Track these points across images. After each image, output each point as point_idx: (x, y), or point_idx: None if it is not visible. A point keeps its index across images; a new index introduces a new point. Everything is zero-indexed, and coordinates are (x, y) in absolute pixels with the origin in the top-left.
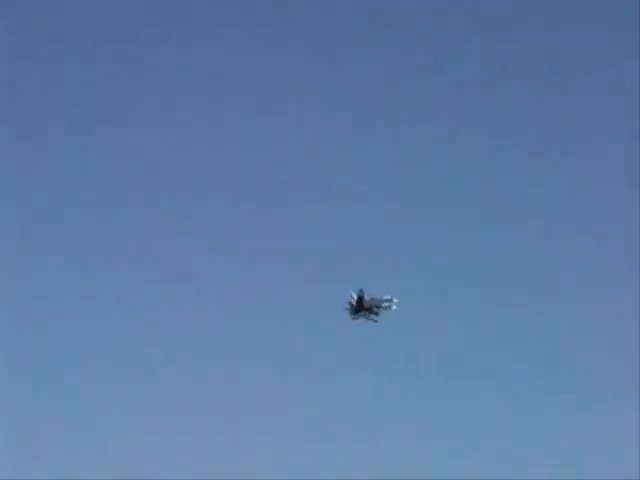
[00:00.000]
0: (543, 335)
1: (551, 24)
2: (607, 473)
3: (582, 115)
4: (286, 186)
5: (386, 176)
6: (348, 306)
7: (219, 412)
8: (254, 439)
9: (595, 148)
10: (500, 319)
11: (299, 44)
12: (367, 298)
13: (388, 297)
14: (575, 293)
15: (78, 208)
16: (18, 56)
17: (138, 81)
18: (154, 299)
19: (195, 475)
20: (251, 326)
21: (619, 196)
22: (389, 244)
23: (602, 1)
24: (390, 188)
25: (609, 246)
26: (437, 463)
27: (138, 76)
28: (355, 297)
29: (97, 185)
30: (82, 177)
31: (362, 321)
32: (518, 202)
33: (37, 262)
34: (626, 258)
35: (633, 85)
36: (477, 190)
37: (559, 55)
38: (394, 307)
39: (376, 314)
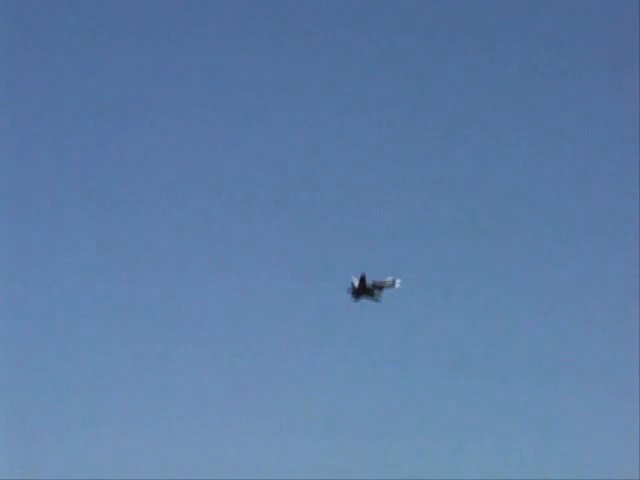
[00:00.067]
0: (544, 330)
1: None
2: (607, 473)
3: (583, 115)
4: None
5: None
6: (350, 287)
7: (218, 404)
8: (253, 431)
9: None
10: (502, 307)
11: (299, 44)
12: (369, 281)
13: (390, 278)
14: (578, 286)
15: (78, 205)
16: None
17: (138, 81)
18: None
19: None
20: (249, 316)
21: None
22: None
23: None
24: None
25: (610, 241)
26: (436, 456)
27: (138, 76)
28: (356, 281)
29: (96, 182)
30: (82, 175)
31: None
32: (521, 195)
33: (33, 257)
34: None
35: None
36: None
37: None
38: (397, 286)
39: (379, 295)
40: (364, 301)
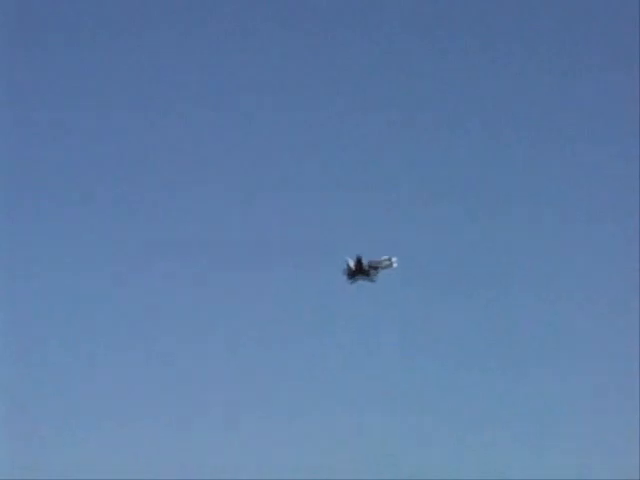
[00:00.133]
0: (545, 326)
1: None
2: (607, 473)
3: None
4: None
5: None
6: (345, 269)
7: (214, 389)
8: (249, 415)
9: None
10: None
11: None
12: (365, 262)
13: (387, 257)
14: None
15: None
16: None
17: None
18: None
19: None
20: (244, 304)
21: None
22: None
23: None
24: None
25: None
26: (433, 441)
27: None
28: (352, 262)
29: (95, 179)
30: (81, 173)
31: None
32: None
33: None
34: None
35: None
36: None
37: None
38: (395, 265)
39: (375, 275)
40: (360, 282)
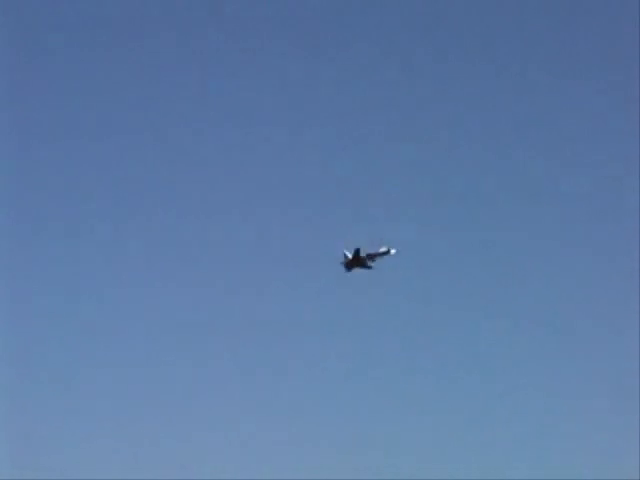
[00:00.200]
0: (543, 328)
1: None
2: (607, 473)
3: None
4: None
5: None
6: (343, 261)
7: (213, 384)
8: (248, 410)
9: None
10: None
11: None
12: (363, 254)
13: (385, 248)
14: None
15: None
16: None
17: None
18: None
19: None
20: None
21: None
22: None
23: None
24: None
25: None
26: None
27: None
28: (350, 254)
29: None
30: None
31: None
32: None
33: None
34: None
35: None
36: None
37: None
38: (393, 252)
39: (371, 264)
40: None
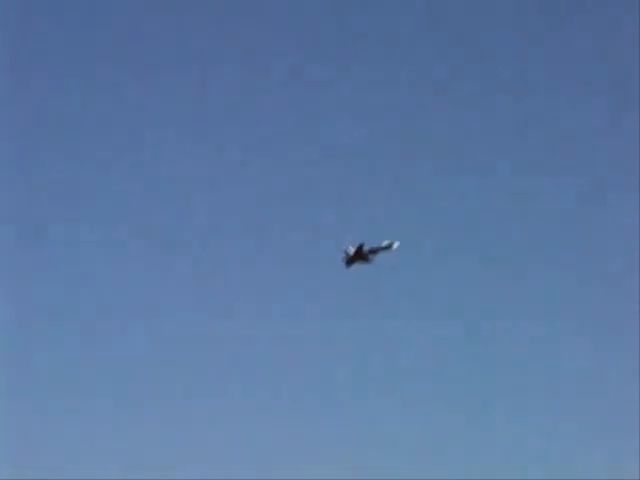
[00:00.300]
0: (543, 333)
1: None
2: (607, 473)
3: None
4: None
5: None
6: (344, 256)
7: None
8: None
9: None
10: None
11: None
12: (366, 248)
13: (387, 242)
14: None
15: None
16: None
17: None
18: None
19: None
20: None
21: None
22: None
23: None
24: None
25: None
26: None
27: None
28: (352, 249)
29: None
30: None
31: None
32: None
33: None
34: None
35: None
36: None
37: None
38: (396, 245)
39: (372, 258)
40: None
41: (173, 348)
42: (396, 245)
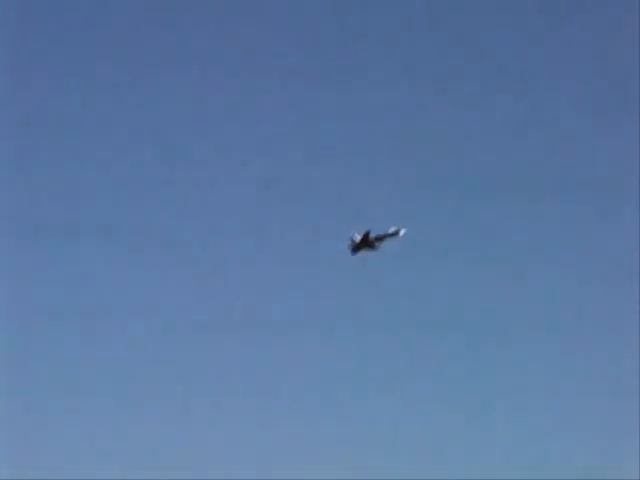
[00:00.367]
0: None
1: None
2: (607, 473)
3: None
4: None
5: None
6: (350, 243)
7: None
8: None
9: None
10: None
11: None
12: (372, 235)
13: (394, 229)
14: None
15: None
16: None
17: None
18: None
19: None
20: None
21: None
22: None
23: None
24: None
25: None
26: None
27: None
28: (358, 237)
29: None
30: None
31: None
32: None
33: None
34: None
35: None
36: None
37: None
38: (402, 232)
39: (378, 246)
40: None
41: (173, 348)
42: (403, 232)
